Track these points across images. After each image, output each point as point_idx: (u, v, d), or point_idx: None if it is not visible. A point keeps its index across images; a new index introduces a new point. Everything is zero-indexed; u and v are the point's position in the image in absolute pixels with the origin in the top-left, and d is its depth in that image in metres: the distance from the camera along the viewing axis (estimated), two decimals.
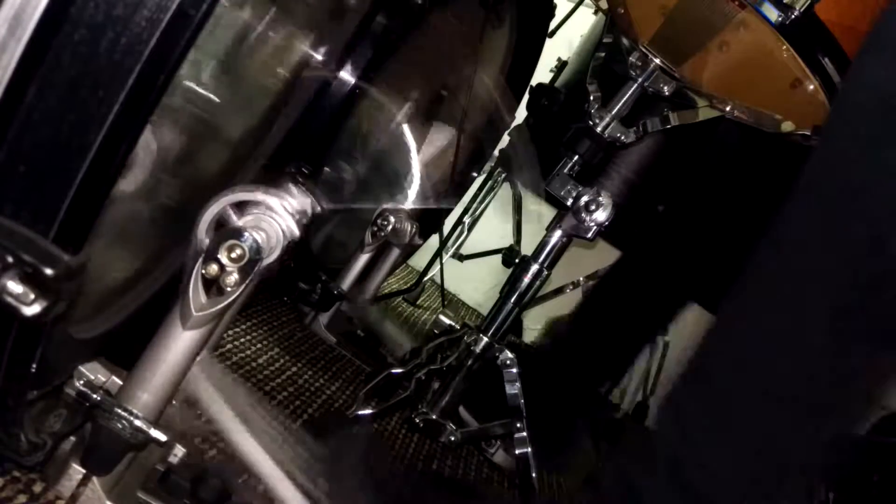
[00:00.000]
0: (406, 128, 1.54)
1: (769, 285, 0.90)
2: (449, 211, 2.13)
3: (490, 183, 2.53)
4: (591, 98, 1.37)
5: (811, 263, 0.85)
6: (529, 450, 1.27)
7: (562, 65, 2.20)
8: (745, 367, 0.88)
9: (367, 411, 1.27)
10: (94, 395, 0.72)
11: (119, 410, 0.70)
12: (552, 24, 1.83)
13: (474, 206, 2.54)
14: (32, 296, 0.47)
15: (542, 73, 2.05)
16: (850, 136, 0.86)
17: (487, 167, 2.38)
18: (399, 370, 1.32)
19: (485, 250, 2.63)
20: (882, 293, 0.81)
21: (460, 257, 2.62)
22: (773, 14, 1.10)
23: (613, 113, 1.35)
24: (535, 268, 1.32)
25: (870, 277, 0.81)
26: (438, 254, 2.28)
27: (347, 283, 1.58)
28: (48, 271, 0.47)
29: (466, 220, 2.54)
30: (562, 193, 1.29)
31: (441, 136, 1.67)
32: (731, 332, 0.93)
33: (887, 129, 0.81)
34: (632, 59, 1.37)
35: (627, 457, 0.97)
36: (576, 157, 1.34)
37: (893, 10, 0.84)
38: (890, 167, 0.80)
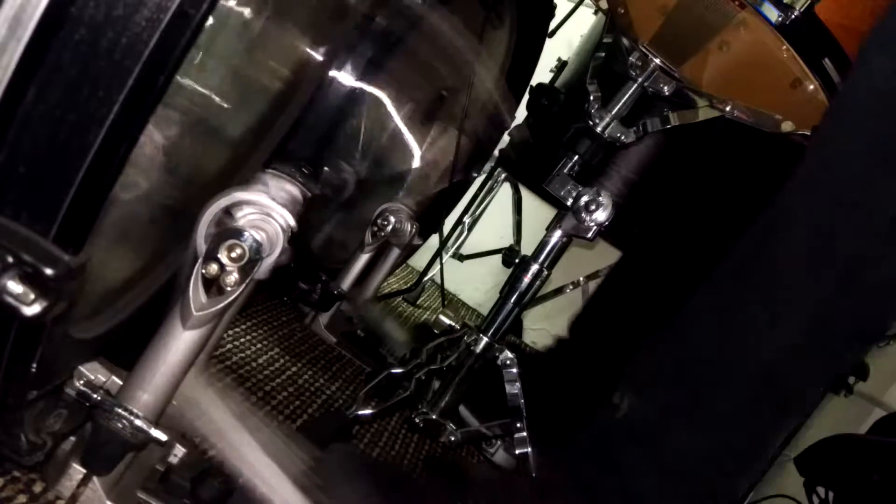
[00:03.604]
0: (406, 127, 1.54)
1: (753, 276, 0.90)
2: (449, 211, 2.13)
3: (490, 183, 2.53)
4: (591, 98, 1.37)
5: (799, 256, 0.86)
6: (529, 450, 1.27)
7: (562, 65, 2.20)
8: (721, 355, 0.89)
9: (367, 411, 1.27)
10: (94, 395, 0.72)
11: (119, 410, 0.70)
12: (552, 24, 1.83)
13: (474, 206, 2.54)
14: (32, 296, 0.47)
15: (542, 73, 2.05)
16: (849, 134, 0.86)
17: (487, 167, 2.39)
18: (399, 370, 1.32)
19: (485, 250, 2.63)
20: (865, 291, 0.82)
21: (460, 257, 2.62)
22: (773, 14, 1.10)
23: (613, 113, 1.35)
24: (535, 268, 1.32)
25: (858, 275, 0.81)
26: (438, 254, 2.28)
27: (347, 283, 1.58)
28: (48, 271, 0.48)
29: (466, 220, 2.54)
30: (562, 193, 1.29)
31: (441, 136, 1.66)
32: (709, 319, 0.93)
33: (888, 127, 0.81)
34: (632, 59, 1.36)
35: (606, 438, 0.98)
36: (576, 157, 1.34)
37: None
38: (888, 165, 0.80)
